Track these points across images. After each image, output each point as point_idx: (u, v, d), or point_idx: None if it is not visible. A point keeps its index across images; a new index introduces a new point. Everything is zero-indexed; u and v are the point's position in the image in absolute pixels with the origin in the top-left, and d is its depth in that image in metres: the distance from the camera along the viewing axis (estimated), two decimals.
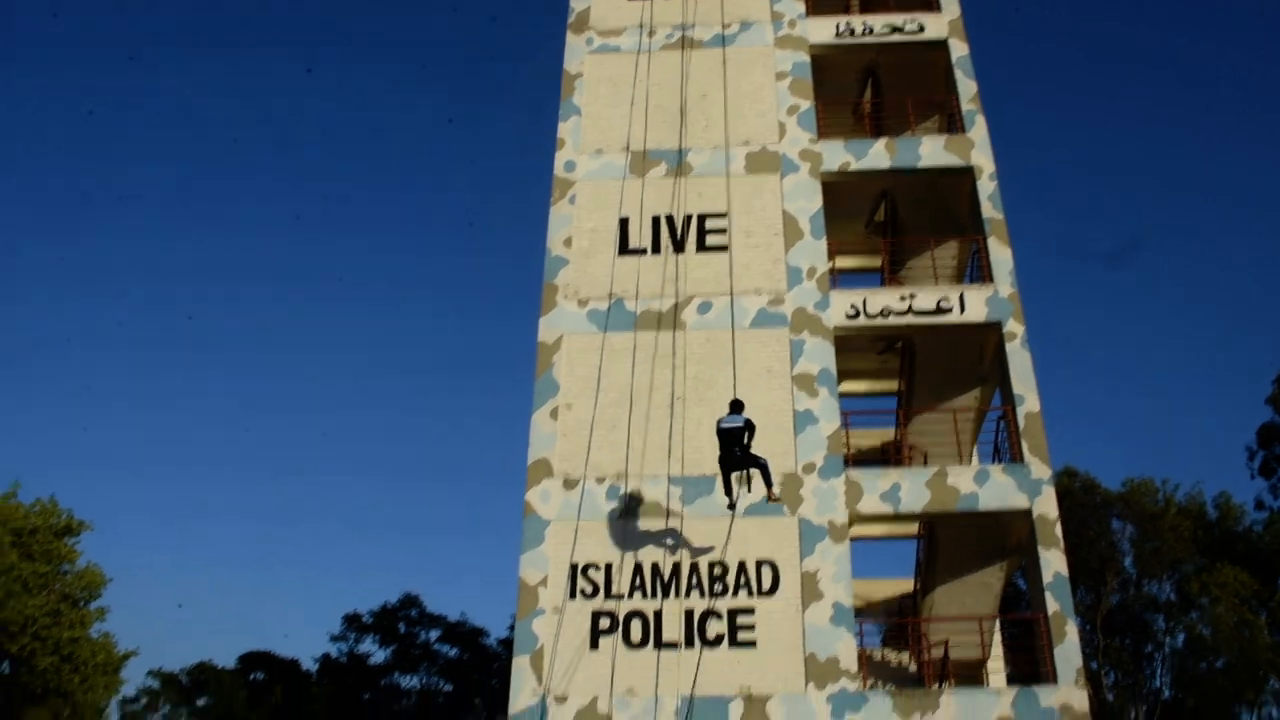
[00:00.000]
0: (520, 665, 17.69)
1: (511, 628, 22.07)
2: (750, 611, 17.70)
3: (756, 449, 17.11)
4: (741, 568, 17.98)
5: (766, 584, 17.88)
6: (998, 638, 22.48)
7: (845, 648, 17.42)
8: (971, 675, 21.34)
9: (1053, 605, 17.46)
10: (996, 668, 21.98)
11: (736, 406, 17.02)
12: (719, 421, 16.92)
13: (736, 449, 16.66)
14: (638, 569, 18.13)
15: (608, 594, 18.01)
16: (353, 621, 36.88)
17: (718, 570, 17.95)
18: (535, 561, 18.37)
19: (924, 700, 17.08)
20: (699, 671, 17.07)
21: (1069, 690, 16.87)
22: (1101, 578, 31.88)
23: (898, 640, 22.21)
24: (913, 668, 20.34)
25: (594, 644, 17.71)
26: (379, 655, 37.03)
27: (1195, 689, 31.81)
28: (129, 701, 34.32)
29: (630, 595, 17.97)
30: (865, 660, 18.67)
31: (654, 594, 17.94)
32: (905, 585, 24.59)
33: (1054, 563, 17.76)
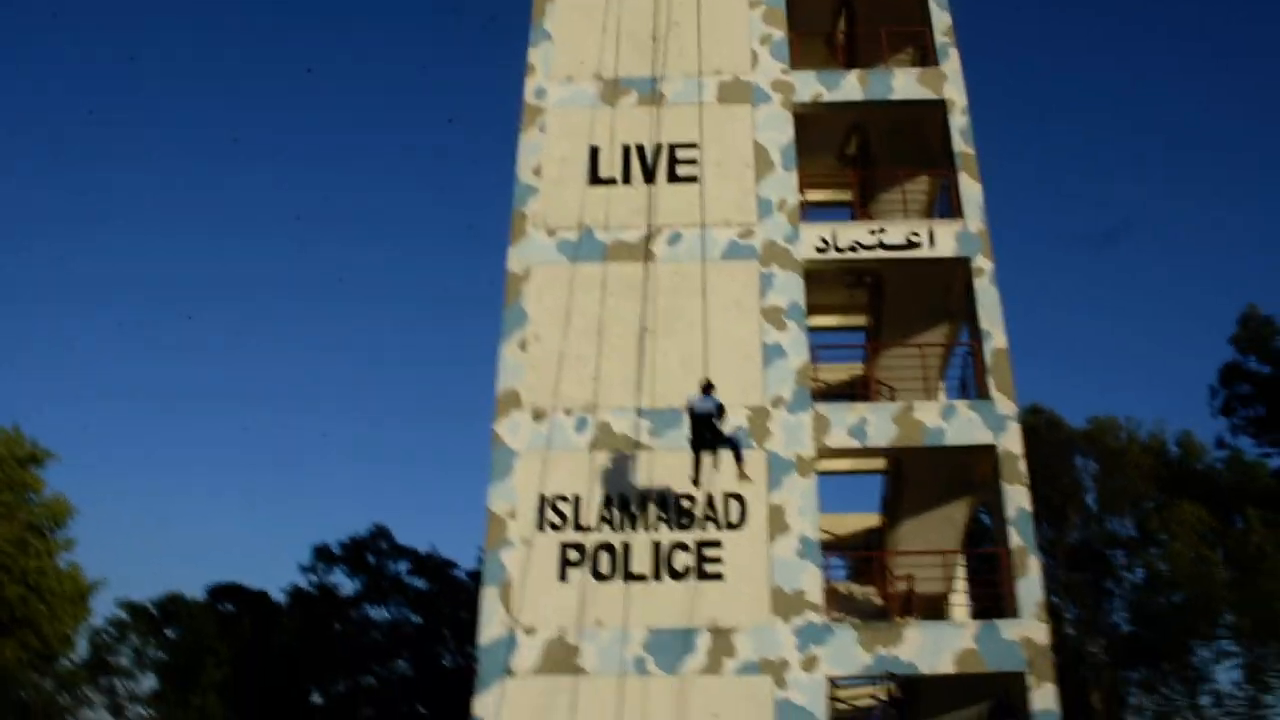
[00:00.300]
0: (489, 596, 17.73)
1: (480, 560, 22.07)
2: (718, 544, 17.77)
3: (725, 391, 17.17)
4: (709, 501, 18.01)
5: (734, 517, 17.94)
6: (961, 572, 22.75)
7: (811, 581, 17.54)
8: (935, 609, 21.62)
9: (1015, 540, 17.63)
10: (960, 601, 22.27)
11: (707, 388, 16.76)
12: (689, 403, 16.72)
13: (707, 432, 16.51)
14: (606, 501, 18.13)
15: (576, 526, 18.02)
16: (322, 553, 36.88)
17: (685, 503, 17.98)
18: (504, 493, 18.32)
19: (888, 633, 17.28)
20: (667, 603, 17.19)
21: (1030, 624, 17.09)
22: (1064, 514, 32.30)
23: (863, 574, 22.43)
24: (878, 601, 20.54)
25: (562, 576, 17.74)
26: (348, 587, 37.17)
27: (1153, 623, 32.43)
28: (98, 632, 34.26)
29: (599, 527, 17.99)
30: (831, 594, 18.80)
31: (622, 526, 17.96)
32: (871, 520, 24.79)
33: (1017, 498, 17.91)
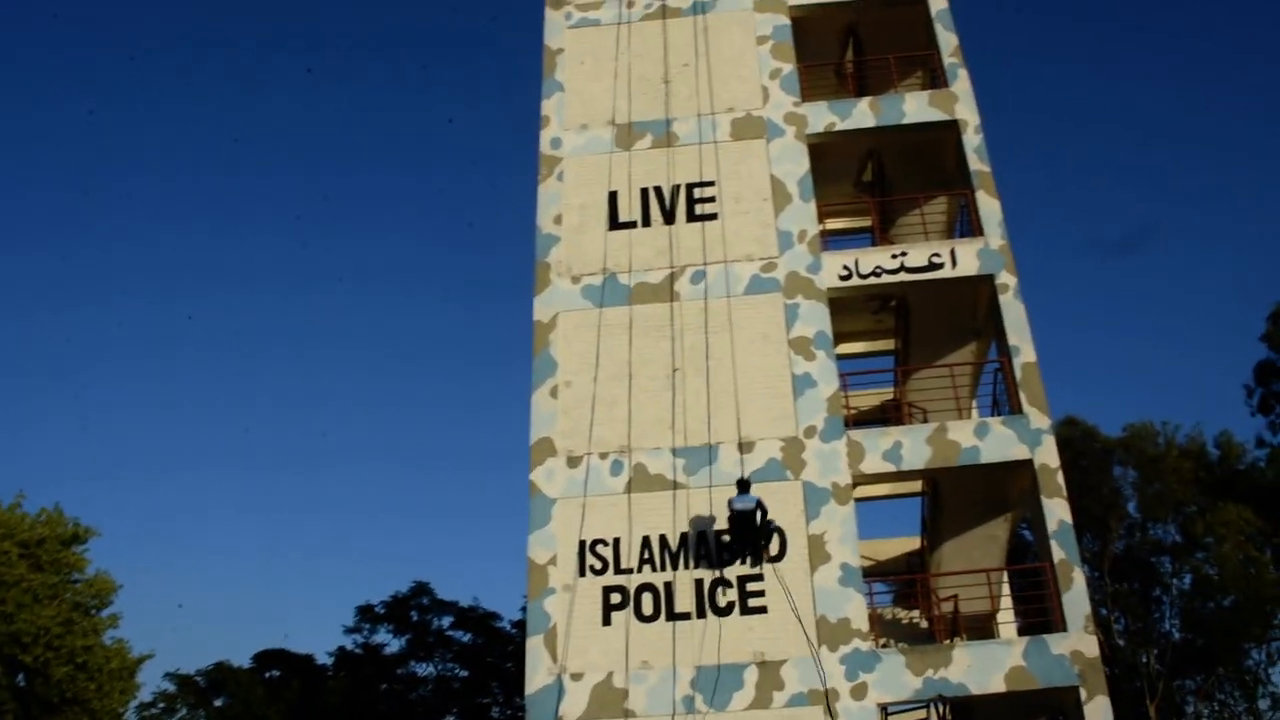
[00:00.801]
0: (534, 645, 17.79)
1: (523, 609, 22.14)
2: (759, 578, 17.80)
3: (757, 425, 17.55)
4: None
5: (774, 549, 17.98)
6: (1006, 589, 22.65)
7: (855, 608, 17.53)
8: (982, 628, 21.53)
9: (1058, 553, 17.56)
10: (1007, 619, 22.18)
11: (744, 486, 17.23)
12: (731, 502, 17.12)
13: (749, 530, 17.14)
14: (645, 542, 18.21)
15: (617, 569, 18.10)
16: (365, 612, 36.95)
17: (725, 539, 18.05)
18: (543, 541, 18.44)
19: (936, 656, 17.22)
20: (712, 640, 17.22)
21: (1079, 637, 17.00)
22: (1106, 524, 32.06)
23: (907, 598, 22.37)
24: (924, 624, 20.50)
25: (606, 620, 17.80)
26: (393, 645, 37.25)
27: (1204, 629, 32.06)
28: (146, 706, 34.41)
29: (640, 569, 18.06)
30: (876, 620, 18.79)
31: (663, 566, 18.03)
32: (912, 543, 24.73)
33: (1058, 511, 17.87)
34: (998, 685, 16.91)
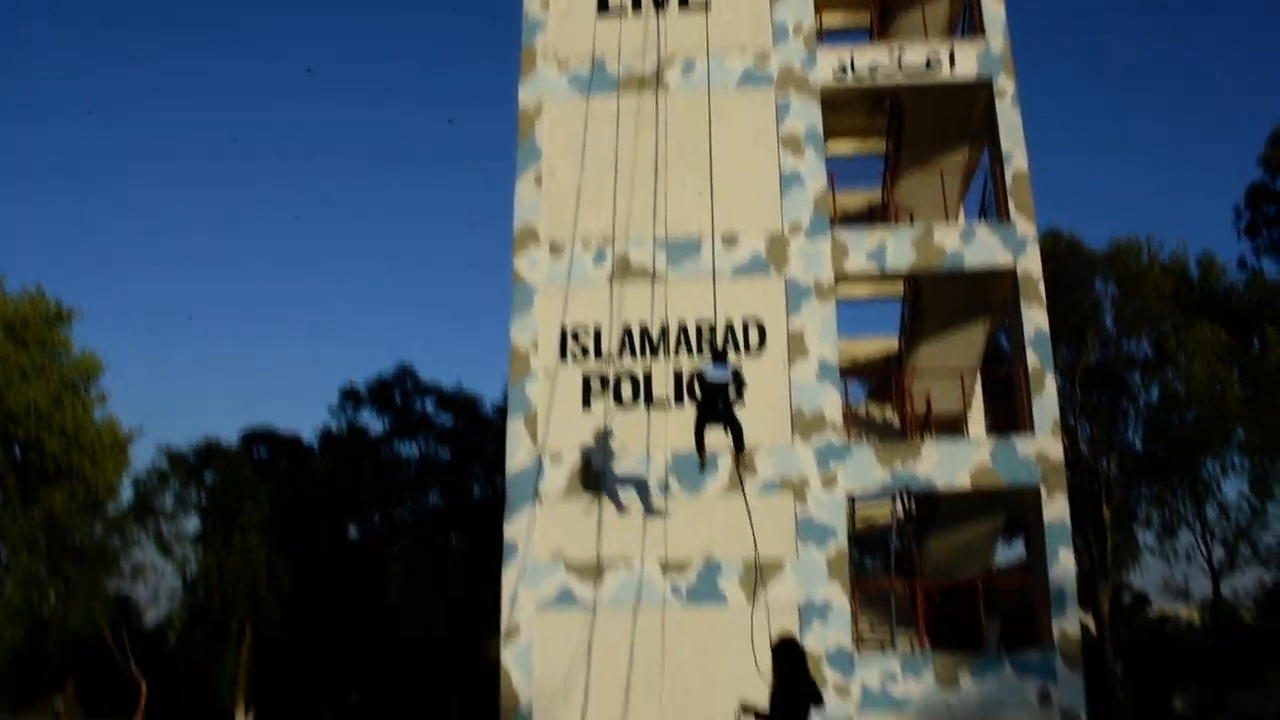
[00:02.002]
0: (515, 428, 18.18)
1: (505, 393, 22.50)
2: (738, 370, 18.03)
3: (742, 220, 17.03)
4: (729, 327, 18.21)
5: (754, 343, 18.17)
6: (979, 392, 23.04)
7: (830, 403, 17.88)
8: (953, 427, 21.98)
9: (1033, 360, 17.83)
10: (977, 419, 22.64)
11: (721, 355, 15.53)
12: (702, 371, 15.43)
13: (719, 402, 15.29)
14: (626, 331, 18.36)
15: (598, 356, 18.32)
16: (349, 395, 37.38)
17: (705, 330, 18.21)
18: (525, 327, 18.57)
19: (906, 450, 17.69)
20: (689, 428, 17.59)
21: (1045, 440, 17.45)
22: (1082, 336, 32.41)
23: (882, 396, 22.76)
24: (896, 422, 20.93)
25: (585, 404, 18.13)
26: (377, 427, 37.91)
27: (1165, 441, 32.89)
28: (140, 479, 35.24)
29: (620, 357, 18.28)
30: (850, 415, 19.18)
31: (643, 354, 18.23)
32: (890, 345, 25.04)
33: (1036, 319, 18.03)
34: (963, 482, 17.47)
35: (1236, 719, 34.90)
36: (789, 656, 10.51)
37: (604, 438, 17.79)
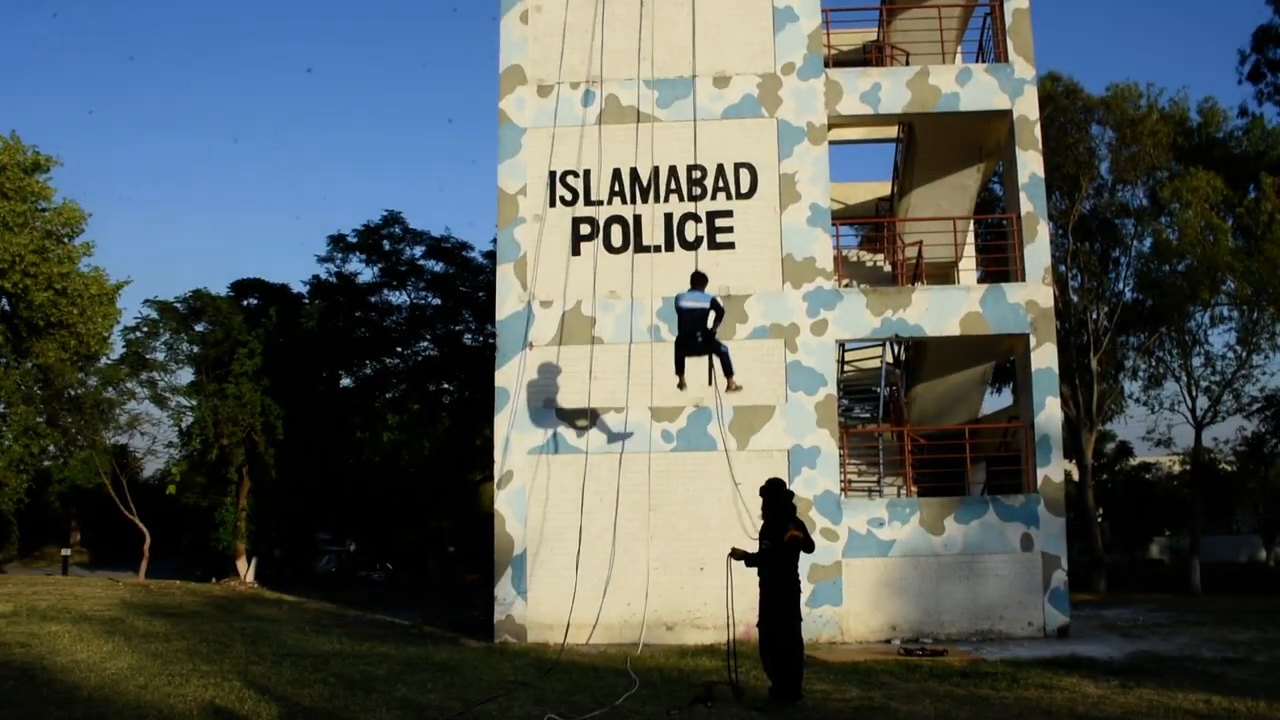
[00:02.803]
0: (504, 273, 17.96)
1: (494, 241, 22.16)
2: (729, 214, 17.75)
3: (734, 60, 16.37)
4: (720, 171, 17.82)
5: (745, 186, 17.80)
6: (970, 239, 22.79)
7: (821, 248, 17.65)
8: (943, 275, 21.85)
9: (1026, 205, 17.53)
10: (968, 268, 22.47)
11: (698, 280, 14.51)
12: (678, 298, 14.51)
13: (698, 333, 14.30)
14: (616, 175, 17.96)
15: (587, 200, 17.96)
16: (337, 242, 36.64)
17: (696, 174, 17.81)
18: (513, 170, 18.15)
19: (896, 297, 17.54)
20: (680, 272, 17.41)
21: (1035, 287, 17.31)
22: (1076, 183, 31.82)
23: (873, 242, 22.53)
24: (887, 268, 20.73)
25: (575, 250, 17.88)
26: (366, 274, 37.43)
27: (1156, 290, 32.70)
28: (130, 330, 34.96)
29: (609, 201, 17.93)
30: (841, 261, 18.97)
31: (633, 199, 17.88)
32: (882, 189, 24.64)
33: (1031, 164, 17.66)
34: (952, 328, 17.39)
35: (1209, 564, 35.77)
36: (776, 500, 10.58)
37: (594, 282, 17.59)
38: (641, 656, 14.55)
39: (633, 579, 16.71)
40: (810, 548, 10.47)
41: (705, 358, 14.80)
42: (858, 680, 12.16)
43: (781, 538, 10.27)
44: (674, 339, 14.97)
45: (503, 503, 17.33)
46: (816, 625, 16.29)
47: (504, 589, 17.08)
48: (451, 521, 39.44)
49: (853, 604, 16.68)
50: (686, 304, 14.36)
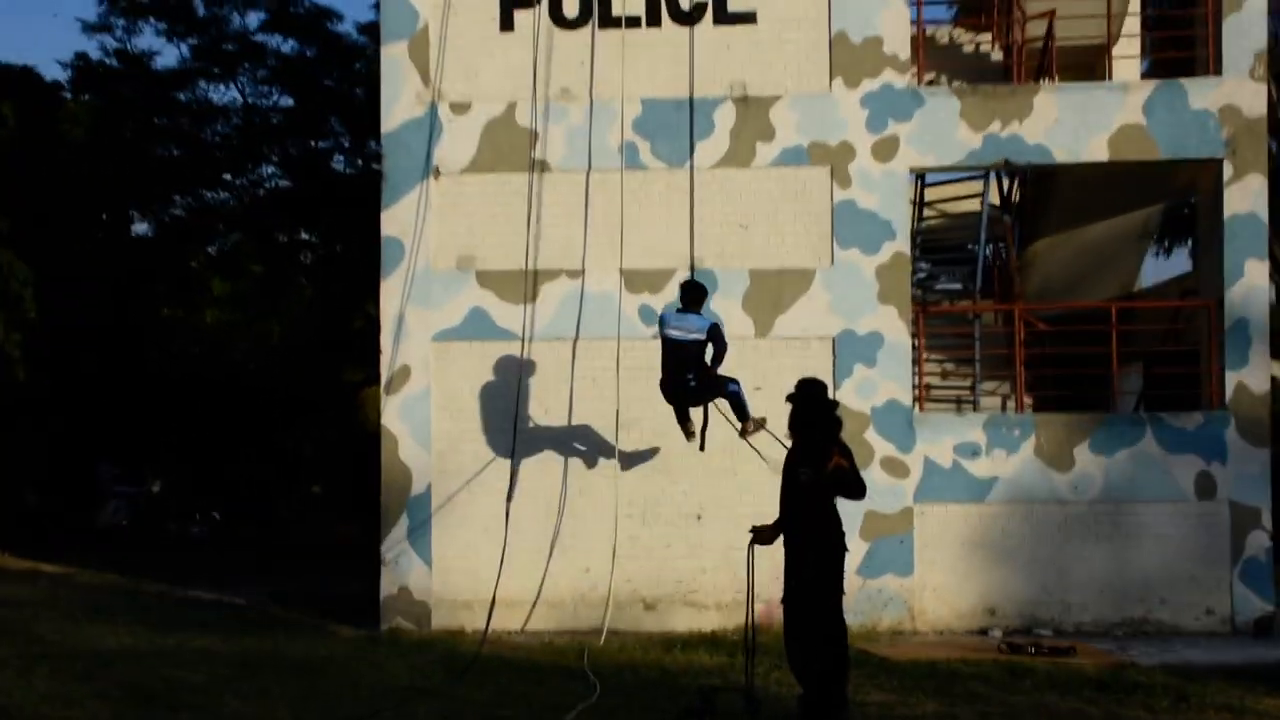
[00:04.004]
0: (393, 58, 18.16)
1: (377, 5, 22.21)
2: None
3: None
4: None
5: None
6: (1135, 8, 22.58)
7: (893, 23, 17.87)
8: (1087, 67, 21.84)
9: None
10: (1127, 54, 22.38)
11: (692, 294, 15.32)
12: (662, 320, 15.41)
13: (689, 375, 14.99)
14: None
15: None
16: (116, 1, 34.95)
17: None
18: None
19: (1009, 102, 17.89)
20: (669, 64, 17.66)
21: (1238, 85, 17.58)
22: None
23: (976, 14, 22.47)
24: (996, 55, 20.80)
25: (506, 22, 18.09)
26: (169, 55, 36.37)
27: None
28: None
29: None
30: (924, 43, 19.17)
31: None
32: None
33: None
34: (1097, 151, 17.80)
35: None
36: (815, 410, 10.92)
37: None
38: (606, 649, 15.23)
39: (593, 533, 17.32)
40: (860, 489, 10.74)
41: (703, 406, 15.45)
42: (935, 688, 12.58)
43: (824, 466, 10.46)
44: (659, 379, 15.45)
45: (394, 417, 17.83)
46: (873, 605, 17.04)
47: (396, 549, 17.68)
48: (316, 447, 39.54)
49: (930, 574, 17.39)
50: (674, 333, 15.02)
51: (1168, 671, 13.64)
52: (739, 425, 15.23)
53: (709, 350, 14.98)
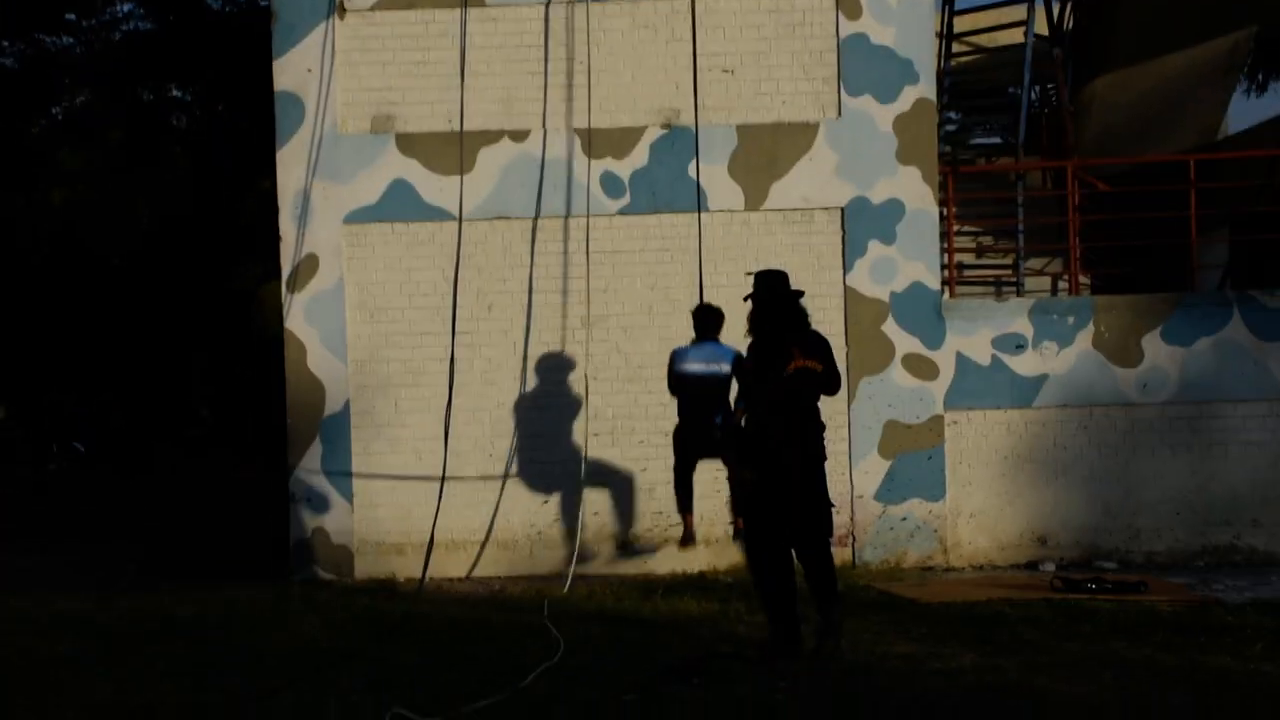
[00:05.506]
0: None
1: None
2: None
3: None
4: None
5: None
6: None
7: None
8: None
9: None
10: None
11: (708, 321, 15.50)
12: (674, 357, 15.62)
13: (717, 417, 15.08)
14: None
15: None
16: None
17: None
18: None
19: None
20: None
21: None
22: None
23: None
24: None
25: None
26: None
27: None
28: None
29: None
30: None
31: None
32: None
33: None
34: None
35: None
36: (775, 304, 11.34)
37: None
38: (571, 597, 15.35)
39: (554, 456, 17.51)
40: (834, 384, 11.28)
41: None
42: (973, 635, 12.53)
43: (783, 369, 10.99)
44: (673, 427, 15.67)
45: (301, 318, 17.87)
46: (896, 537, 17.34)
47: (308, 480, 17.77)
48: (205, 359, 39.60)
49: (965, 497, 17.63)
50: (695, 366, 15.17)
51: (1261, 609, 13.55)
52: (731, 520, 15.52)
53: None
